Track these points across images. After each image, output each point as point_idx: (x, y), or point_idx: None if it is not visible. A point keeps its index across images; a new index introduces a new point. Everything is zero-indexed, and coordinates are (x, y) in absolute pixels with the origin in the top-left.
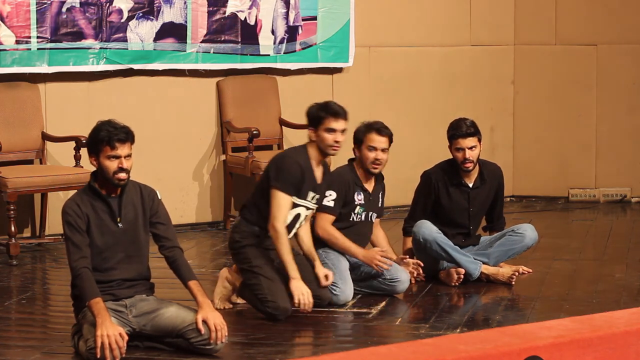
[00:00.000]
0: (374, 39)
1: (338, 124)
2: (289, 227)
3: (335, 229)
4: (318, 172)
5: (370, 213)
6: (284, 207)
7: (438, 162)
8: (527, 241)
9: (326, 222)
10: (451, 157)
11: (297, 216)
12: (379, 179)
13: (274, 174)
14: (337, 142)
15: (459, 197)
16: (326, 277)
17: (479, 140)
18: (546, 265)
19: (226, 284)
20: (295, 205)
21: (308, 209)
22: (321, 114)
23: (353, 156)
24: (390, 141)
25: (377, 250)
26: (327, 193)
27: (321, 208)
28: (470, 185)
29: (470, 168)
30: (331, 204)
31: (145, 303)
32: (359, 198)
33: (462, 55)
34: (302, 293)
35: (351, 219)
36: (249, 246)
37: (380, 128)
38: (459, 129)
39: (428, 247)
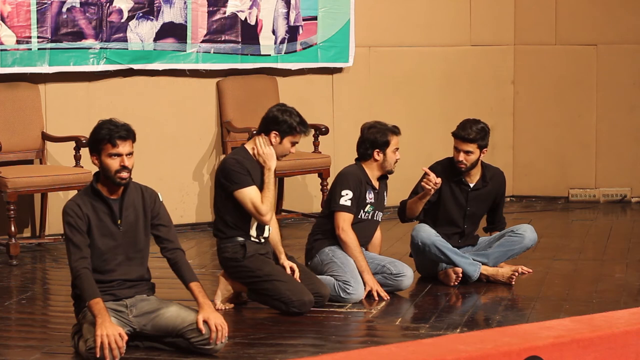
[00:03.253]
0: (374, 39)
1: (301, 139)
2: (260, 226)
3: (354, 233)
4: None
5: (377, 212)
6: (255, 197)
7: (444, 157)
8: (526, 242)
9: (347, 224)
10: None
11: None
12: (385, 177)
13: (226, 182)
14: (292, 152)
15: (459, 195)
16: (292, 269)
17: (480, 147)
18: (546, 265)
19: (228, 286)
20: None
21: None
22: (296, 127)
23: (357, 156)
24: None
25: (379, 287)
26: (344, 192)
27: (339, 208)
28: (471, 185)
29: (464, 169)
30: (348, 203)
31: (146, 303)
32: (370, 197)
33: (462, 55)
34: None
35: (359, 216)
36: (245, 259)
37: (398, 129)
38: (461, 131)
39: (427, 251)
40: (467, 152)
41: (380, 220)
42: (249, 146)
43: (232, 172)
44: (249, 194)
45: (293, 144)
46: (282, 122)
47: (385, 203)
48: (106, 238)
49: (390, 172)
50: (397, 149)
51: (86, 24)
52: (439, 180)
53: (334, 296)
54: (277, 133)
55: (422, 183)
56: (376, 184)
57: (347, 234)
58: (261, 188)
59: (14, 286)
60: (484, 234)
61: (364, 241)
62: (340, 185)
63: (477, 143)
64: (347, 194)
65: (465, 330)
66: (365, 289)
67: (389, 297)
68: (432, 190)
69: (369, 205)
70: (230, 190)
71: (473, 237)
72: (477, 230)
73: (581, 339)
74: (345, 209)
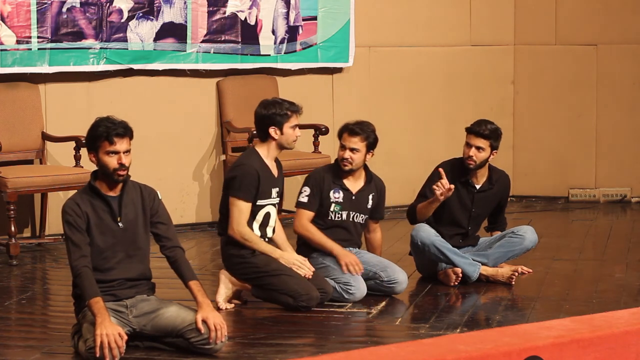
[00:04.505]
0: (374, 39)
1: (299, 120)
2: (264, 227)
3: (312, 224)
4: (273, 168)
5: (353, 214)
6: (244, 212)
7: (452, 158)
8: (526, 243)
9: (303, 218)
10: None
11: (268, 215)
12: (369, 180)
13: (231, 184)
14: (298, 136)
15: (464, 196)
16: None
17: (491, 147)
18: (546, 265)
19: (228, 284)
20: (261, 207)
21: (274, 205)
22: (287, 112)
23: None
24: (367, 142)
25: (354, 258)
26: (302, 190)
27: (297, 204)
28: (477, 187)
29: (472, 166)
30: (305, 199)
31: (146, 303)
32: (335, 196)
33: (462, 55)
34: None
35: (329, 218)
36: (253, 255)
37: (354, 128)
38: (476, 126)
39: (427, 251)
40: (479, 148)
41: (362, 222)
42: (261, 149)
43: (241, 180)
44: (242, 207)
45: (293, 127)
46: (271, 116)
47: (369, 207)
48: (106, 236)
49: (340, 168)
50: (343, 146)
51: (86, 24)
52: (451, 187)
53: (337, 297)
54: (274, 128)
55: (434, 187)
56: (352, 184)
57: (303, 226)
58: (266, 197)
59: (14, 286)
60: (485, 234)
61: (346, 245)
62: (303, 183)
63: (490, 141)
64: (304, 191)
65: (465, 330)
66: (342, 267)
67: (362, 269)
68: (443, 197)
69: (334, 205)
70: (230, 193)
71: (474, 238)
72: (479, 230)
73: (581, 339)
74: (300, 205)
